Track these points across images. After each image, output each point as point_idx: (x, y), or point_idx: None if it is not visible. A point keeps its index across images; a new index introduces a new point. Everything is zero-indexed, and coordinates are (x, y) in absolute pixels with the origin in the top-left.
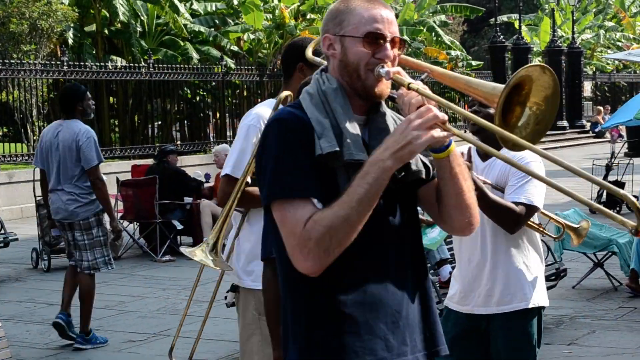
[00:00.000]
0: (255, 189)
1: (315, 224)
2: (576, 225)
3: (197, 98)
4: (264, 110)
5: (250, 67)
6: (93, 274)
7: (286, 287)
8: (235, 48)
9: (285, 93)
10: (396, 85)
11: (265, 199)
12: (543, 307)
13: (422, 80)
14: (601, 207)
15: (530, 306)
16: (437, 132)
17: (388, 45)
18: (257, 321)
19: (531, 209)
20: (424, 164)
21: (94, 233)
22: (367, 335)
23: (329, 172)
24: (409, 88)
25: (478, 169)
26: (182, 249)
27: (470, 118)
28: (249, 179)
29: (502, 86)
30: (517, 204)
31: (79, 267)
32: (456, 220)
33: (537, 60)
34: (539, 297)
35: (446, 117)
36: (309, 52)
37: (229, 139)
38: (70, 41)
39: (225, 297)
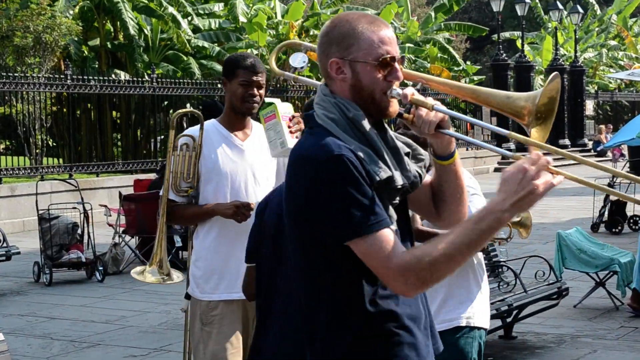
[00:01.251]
0: (192, 209)
1: (417, 260)
2: (518, 219)
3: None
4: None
5: None
6: None
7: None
8: None
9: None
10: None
11: (341, 238)
12: (482, 329)
13: (418, 91)
14: (613, 189)
15: (463, 324)
16: (554, 179)
17: (397, 66)
18: (200, 331)
19: None
20: (417, 172)
21: None
22: (416, 344)
23: (379, 199)
24: (433, 109)
25: None
26: (133, 274)
27: (513, 137)
28: (174, 197)
29: (517, 94)
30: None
31: None
32: (457, 214)
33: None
34: (477, 317)
35: (552, 160)
36: (273, 64)
37: None
38: (73, 55)
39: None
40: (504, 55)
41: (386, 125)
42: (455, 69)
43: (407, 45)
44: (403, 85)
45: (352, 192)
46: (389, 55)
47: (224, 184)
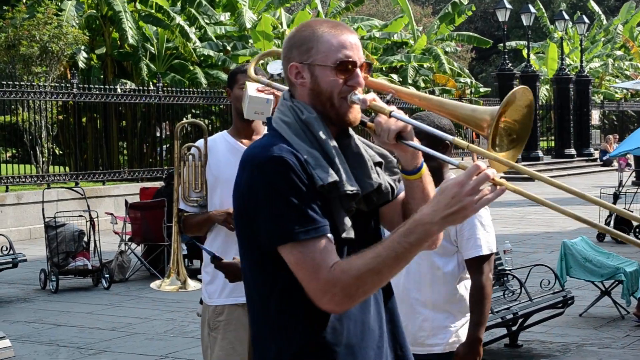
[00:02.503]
0: (199, 217)
1: (343, 274)
2: None
3: (206, 122)
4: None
5: None
6: None
7: (274, 321)
8: None
9: None
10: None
11: (274, 241)
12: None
13: (387, 102)
14: (609, 228)
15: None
16: (492, 194)
17: (359, 71)
18: (208, 337)
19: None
20: (389, 184)
21: None
22: None
23: (324, 204)
24: (390, 116)
25: None
26: (152, 286)
27: (471, 149)
28: (184, 206)
29: (483, 108)
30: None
31: None
32: None
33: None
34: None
35: (497, 173)
36: (251, 71)
37: None
38: (80, 64)
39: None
40: (510, 65)
41: (352, 133)
42: (462, 80)
43: (412, 55)
44: (380, 95)
45: (287, 195)
46: (348, 60)
47: (229, 192)
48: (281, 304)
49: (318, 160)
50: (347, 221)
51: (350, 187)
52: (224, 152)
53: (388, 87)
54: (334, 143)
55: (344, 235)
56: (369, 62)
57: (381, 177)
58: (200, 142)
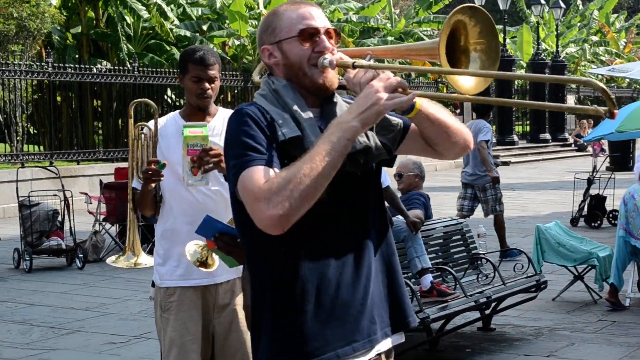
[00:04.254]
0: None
1: (276, 177)
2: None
3: (182, 102)
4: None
5: (234, 73)
6: None
7: (253, 276)
8: (220, 53)
9: None
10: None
11: (232, 181)
12: None
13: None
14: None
15: None
16: (402, 98)
17: (324, 37)
18: (160, 318)
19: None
20: (384, 144)
21: None
22: (337, 322)
23: (290, 160)
24: (354, 67)
25: None
26: (108, 261)
27: (423, 71)
28: (137, 184)
29: (434, 39)
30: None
31: None
32: (456, 145)
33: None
34: None
35: (406, 83)
36: (255, 77)
37: None
38: (56, 43)
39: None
40: None
41: (338, 98)
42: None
43: (389, 38)
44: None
45: (245, 138)
46: (310, 27)
47: (173, 173)
48: (256, 244)
49: (286, 121)
50: None
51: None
52: (173, 133)
53: (364, 50)
54: (305, 109)
55: (275, 168)
56: (336, 30)
57: (371, 140)
58: (151, 123)
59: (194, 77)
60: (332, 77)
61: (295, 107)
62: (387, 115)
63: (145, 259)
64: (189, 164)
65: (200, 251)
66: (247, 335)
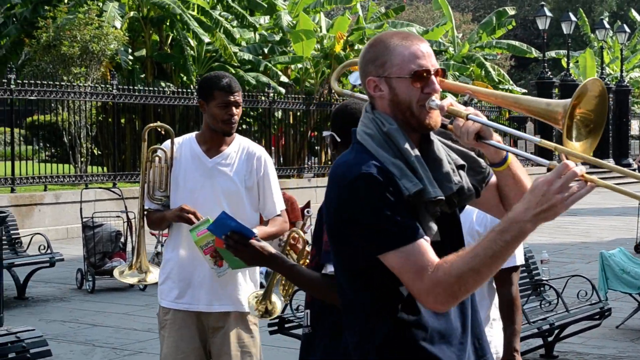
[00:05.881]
0: (157, 214)
1: (445, 275)
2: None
3: (244, 126)
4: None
5: (297, 96)
6: None
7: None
8: (282, 77)
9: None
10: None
11: (374, 251)
12: None
13: (465, 103)
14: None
15: None
16: (581, 190)
17: (434, 78)
18: (159, 334)
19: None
20: (473, 185)
21: None
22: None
23: (412, 211)
24: (467, 119)
25: None
26: (115, 273)
27: (559, 149)
28: (149, 204)
29: (556, 101)
30: None
31: None
32: None
33: None
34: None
35: (584, 169)
36: (334, 84)
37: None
38: (123, 64)
39: None
40: (549, 73)
41: (433, 137)
42: (502, 87)
43: (452, 62)
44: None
45: (380, 208)
46: (422, 69)
47: (186, 197)
48: (372, 302)
49: (402, 171)
50: (433, 225)
51: (434, 194)
52: (187, 158)
53: (465, 88)
54: (416, 152)
55: (431, 239)
56: (443, 68)
57: (463, 180)
58: (166, 144)
59: (221, 103)
60: (437, 117)
61: (410, 155)
62: (476, 157)
63: (151, 276)
64: (210, 261)
65: (256, 305)
66: None
